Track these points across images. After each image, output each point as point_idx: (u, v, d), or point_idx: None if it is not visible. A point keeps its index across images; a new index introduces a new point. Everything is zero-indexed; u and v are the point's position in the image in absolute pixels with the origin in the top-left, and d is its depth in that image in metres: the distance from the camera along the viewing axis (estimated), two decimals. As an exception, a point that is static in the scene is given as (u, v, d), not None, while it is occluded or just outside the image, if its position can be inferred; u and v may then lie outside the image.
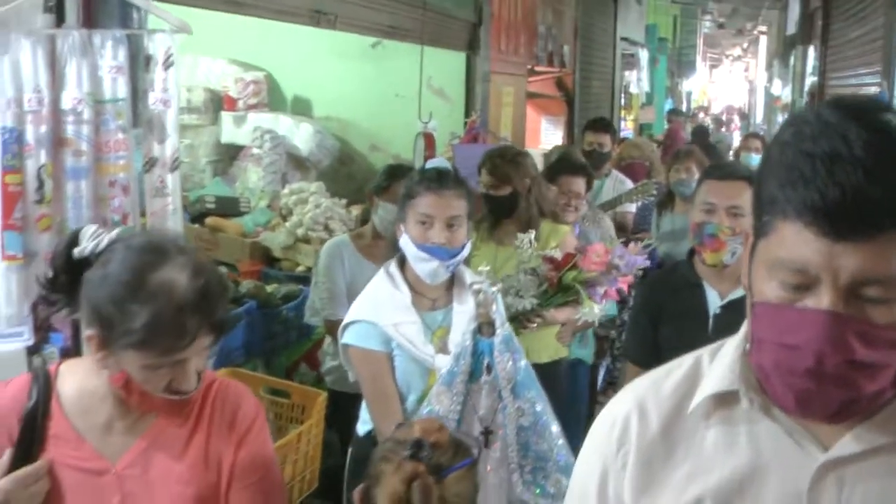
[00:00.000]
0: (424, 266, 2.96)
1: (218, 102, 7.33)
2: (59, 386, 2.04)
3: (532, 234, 4.05)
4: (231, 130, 7.22)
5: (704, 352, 1.48)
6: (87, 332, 1.89)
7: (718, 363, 1.42)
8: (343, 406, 4.03)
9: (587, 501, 1.49)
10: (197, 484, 2.01)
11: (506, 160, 4.36)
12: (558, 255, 3.84)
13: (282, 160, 6.92)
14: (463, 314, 2.95)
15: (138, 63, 3.06)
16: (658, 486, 1.40)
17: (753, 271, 1.30)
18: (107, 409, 2.00)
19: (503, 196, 4.25)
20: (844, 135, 1.15)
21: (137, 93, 3.06)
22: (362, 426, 3.22)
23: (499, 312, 2.47)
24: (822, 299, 1.18)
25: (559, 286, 3.84)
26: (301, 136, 7.04)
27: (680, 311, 3.22)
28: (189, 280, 1.85)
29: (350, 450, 3.36)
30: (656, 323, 3.30)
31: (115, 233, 1.97)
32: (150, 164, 3.09)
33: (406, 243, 2.99)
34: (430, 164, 3.09)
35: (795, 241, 1.19)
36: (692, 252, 3.43)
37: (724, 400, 1.38)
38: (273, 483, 2.15)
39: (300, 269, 5.73)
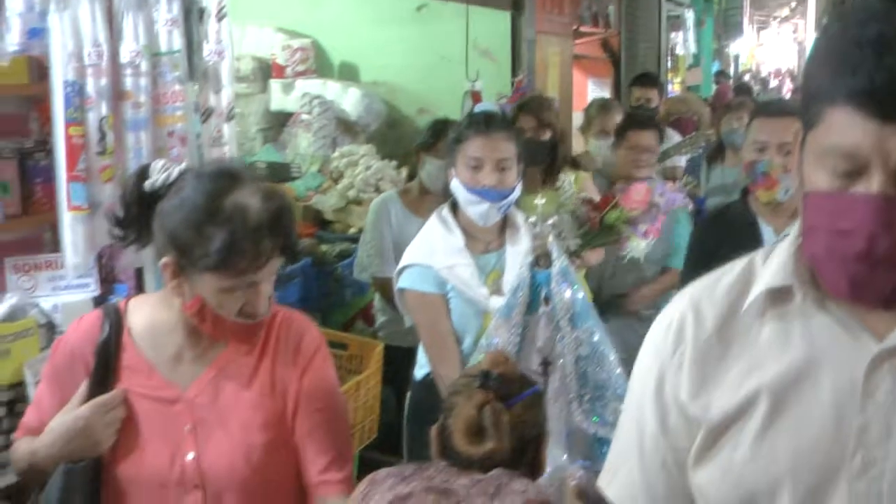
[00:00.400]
0: (476, 209, 3.00)
1: (266, 71, 7.39)
2: (129, 320, 2.12)
3: (572, 176, 4.15)
4: (280, 98, 7.28)
5: (757, 254, 1.51)
6: (162, 260, 1.96)
7: (772, 261, 1.45)
8: (397, 361, 4.07)
9: (644, 403, 1.52)
10: (265, 410, 2.08)
11: (545, 107, 4.46)
12: (596, 197, 3.94)
13: (331, 125, 6.96)
14: (516, 256, 2.98)
15: (192, 16, 3.12)
16: (714, 384, 1.43)
17: (804, 164, 1.32)
18: (176, 340, 2.08)
19: (545, 141, 4.32)
20: (892, 19, 1.17)
21: (192, 45, 3.12)
22: (419, 370, 3.28)
23: (555, 245, 2.49)
24: (872, 183, 1.20)
25: (601, 226, 3.92)
26: (349, 100, 7.08)
27: (736, 248, 3.22)
28: (262, 203, 1.91)
29: (409, 394, 3.41)
30: (712, 263, 3.30)
31: (183, 165, 2.03)
32: (207, 114, 3.16)
33: (457, 187, 3.02)
34: (479, 107, 3.13)
35: (845, 127, 1.21)
36: (745, 191, 3.43)
37: (777, 296, 1.40)
38: (338, 409, 2.21)
39: (352, 230, 5.78)
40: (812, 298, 1.36)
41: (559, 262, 2.46)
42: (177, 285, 1.97)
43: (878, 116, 1.17)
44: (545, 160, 4.33)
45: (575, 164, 5.07)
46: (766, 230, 3.23)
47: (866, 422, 1.30)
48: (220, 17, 3.13)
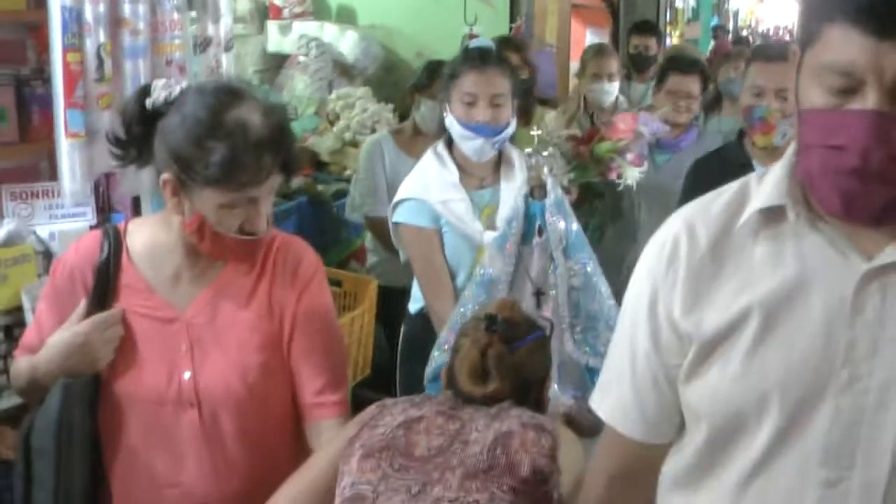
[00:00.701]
0: (470, 144, 3.00)
1: (263, 12, 7.33)
2: (129, 241, 2.13)
3: (552, 114, 4.21)
4: (277, 39, 7.22)
5: (752, 175, 1.53)
6: (163, 176, 1.97)
7: (766, 182, 1.47)
8: (389, 301, 4.10)
9: (637, 321, 1.55)
10: (261, 331, 2.10)
11: (526, 46, 4.51)
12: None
13: (328, 68, 6.92)
14: (510, 192, 2.99)
15: (190, -57, 3.11)
16: (707, 301, 1.45)
17: (801, 83, 1.34)
18: (175, 261, 2.09)
19: (525, 79, 4.37)
20: None
21: (190, -26, 3.12)
22: (413, 304, 3.29)
23: (550, 176, 2.50)
24: (867, 100, 1.22)
25: (592, 158, 4.00)
26: (347, 43, 7.03)
27: None
28: (263, 118, 1.92)
29: (402, 328, 3.43)
30: None
31: (184, 83, 2.03)
32: (205, 43, 3.15)
33: (451, 123, 3.02)
34: (474, 43, 3.11)
35: (842, 43, 1.23)
36: (741, 133, 3.44)
37: (771, 216, 1.43)
38: (333, 333, 2.23)
39: (348, 172, 5.76)
40: (804, 218, 1.39)
41: (554, 193, 2.47)
42: (177, 203, 1.98)
43: (875, 33, 1.19)
44: (524, 97, 4.37)
45: (543, 102, 5.13)
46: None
47: (854, 338, 1.33)
48: (220, -54, 3.11)
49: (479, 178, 3.11)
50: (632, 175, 4.00)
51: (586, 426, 2.36)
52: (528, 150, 2.51)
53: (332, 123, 6.22)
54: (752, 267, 1.43)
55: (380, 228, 4.13)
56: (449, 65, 3.17)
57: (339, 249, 5.16)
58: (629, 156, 4.05)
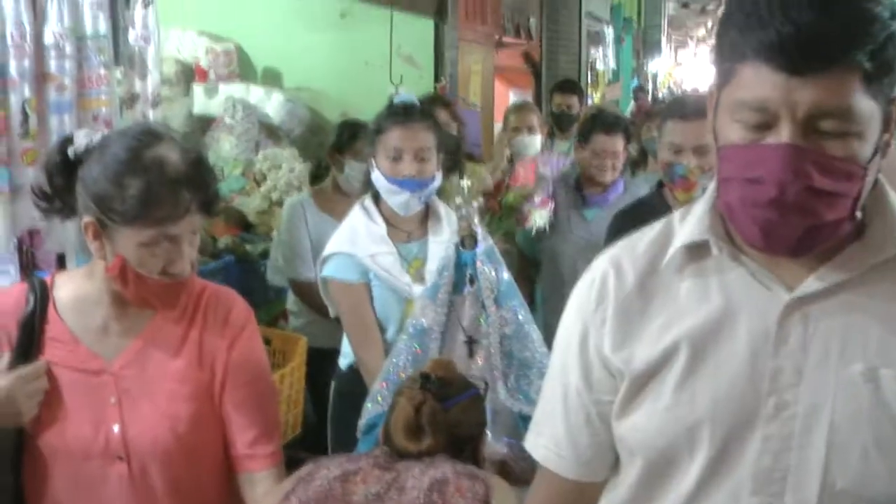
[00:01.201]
0: (396, 198, 3.02)
1: (189, 74, 7.34)
2: (55, 293, 2.10)
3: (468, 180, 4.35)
4: (203, 102, 7.23)
5: (675, 213, 1.57)
6: (84, 220, 1.95)
7: (689, 218, 1.51)
8: (316, 362, 4.05)
9: (569, 360, 1.57)
10: (192, 381, 2.07)
11: (450, 103, 4.60)
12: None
13: (254, 129, 6.93)
14: (438, 245, 3.01)
15: (118, 0, 3.10)
16: (636, 337, 1.48)
17: (718, 120, 1.38)
18: (102, 312, 2.06)
19: (454, 135, 4.47)
20: None
21: (118, 30, 3.11)
22: (343, 360, 3.27)
23: (480, 226, 2.53)
24: (781, 134, 1.26)
25: (503, 209, 4.10)
26: (272, 105, 7.06)
27: None
28: (181, 155, 1.91)
29: (333, 384, 3.39)
30: None
31: (106, 131, 2.03)
32: (132, 99, 3.14)
33: (377, 177, 3.03)
34: (398, 98, 3.14)
35: (755, 80, 1.27)
36: (660, 183, 3.50)
37: (695, 252, 1.46)
38: (265, 383, 2.21)
39: (275, 232, 5.75)
40: (727, 252, 1.42)
41: (484, 242, 2.50)
42: (99, 246, 1.96)
43: (786, 70, 1.23)
44: (454, 151, 4.44)
45: (470, 157, 5.24)
46: None
47: (779, 367, 1.37)
48: (147, 2, 3.12)
49: (407, 231, 3.13)
50: (541, 218, 4.10)
51: (520, 474, 2.37)
52: (458, 199, 2.54)
53: (258, 184, 6.21)
54: (678, 302, 1.47)
55: (306, 291, 4.12)
56: (374, 120, 3.18)
57: (268, 309, 5.12)
58: (536, 199, 4.23)
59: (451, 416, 2.07)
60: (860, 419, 1.34)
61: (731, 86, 1.33)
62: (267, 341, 4.14)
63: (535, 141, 5.43)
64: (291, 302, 4.61)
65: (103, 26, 3.05)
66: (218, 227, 5.78)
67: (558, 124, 6.67)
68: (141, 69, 3.16)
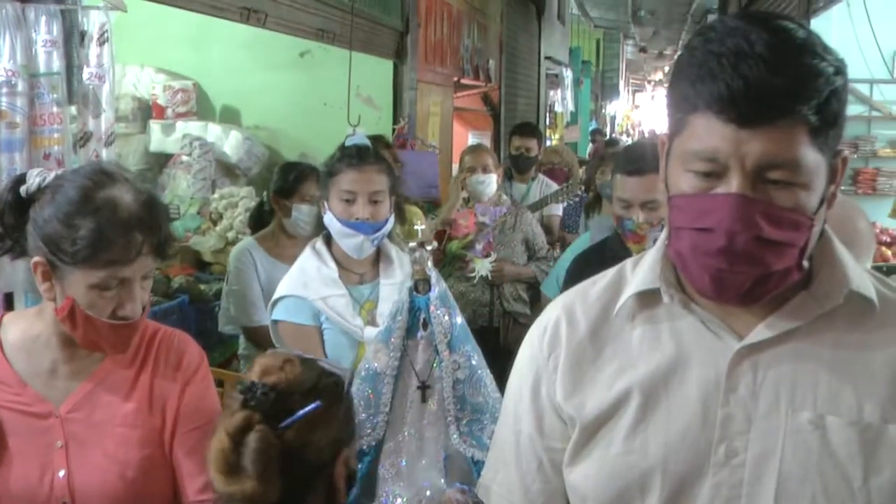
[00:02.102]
0: (349, 241, 3.00)
1: (146, 111, 7.32)
2: (2, 333, 2.05)
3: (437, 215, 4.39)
4: (160, 139, 7.21)
5: (628, 261, 1.58)
6: (34, 259, 1.91)
7: (641, 266, 1.52)
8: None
9: (521, 408, 1.56)
10: (142, 426, 2.03)
11: (390, 144, 4.64)
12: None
13: (211, 167, 6.92)
14: (390, 287, 2.99)
15: (73, 38, 3.08)
16: (588, 384, 1.48)
17: (669, 169, 1.39)
18: (50, 354, 2.02)
19: (398, 176, 4.48)
20: (747, 36, 1.25)
21: (72, 68, 3.09)
22: None
23: (433, 270, 2.52)
24: (731, 184, 1.28)
25: (446, 257, 4.14)
26: (230, 143, 7.06)
27: None
28: (134, 196, 1.89)
29: None
30: None
31: (59, 170, 2.00)
32: (85, 138, 3.11)
33: (331, 220, 3.00)
34: (350, 141, 3.11)
35: (705, 131, 1.29)
36: None
37: (646, 300, 1.47)
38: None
39: (224, 284, 5.70)
40: (678, 301, 1.43)
41: (438, 286, 2.49)
42: (49, 288, 1.92)
43: (735, 121, 1.25)
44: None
45: (406, 200, 5.33)
46: None
47: (729, 414, 1.37)
48: (102, 41, 3.10)
49: (359, 273, 3.10)
50: (483, 267, 4.15)
51: None
52: (412, 244, 2.53)
53: (214, 223, 6.18)
54: (630, 349, 1.47)
55: (262, 336, 4.05)
56: (326, 163, 3.13)
57: (222, 350, 5.07)
58: (478, 247, 4.30)
59: (289, 440, 1.57)
60: (809, 467, 1.34)
61: (682, 136, 1.34)
62: (219, 383, 4.12)
63: (491, 180, 5.44)
64: (243, 347, 4.52)
65: (57, 64, 3.02)
66: (173, 266, 5.74)
67: (516, 167, 6.70)
68: (95, 107, 3.14)
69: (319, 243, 3.09)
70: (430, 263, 2.50)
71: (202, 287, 5.20)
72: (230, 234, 5.97)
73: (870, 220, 2.12)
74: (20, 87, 2.93)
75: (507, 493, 1.60)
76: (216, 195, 6.43)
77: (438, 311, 2.48)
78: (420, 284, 2.50)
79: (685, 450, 1.39)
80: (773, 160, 1.26)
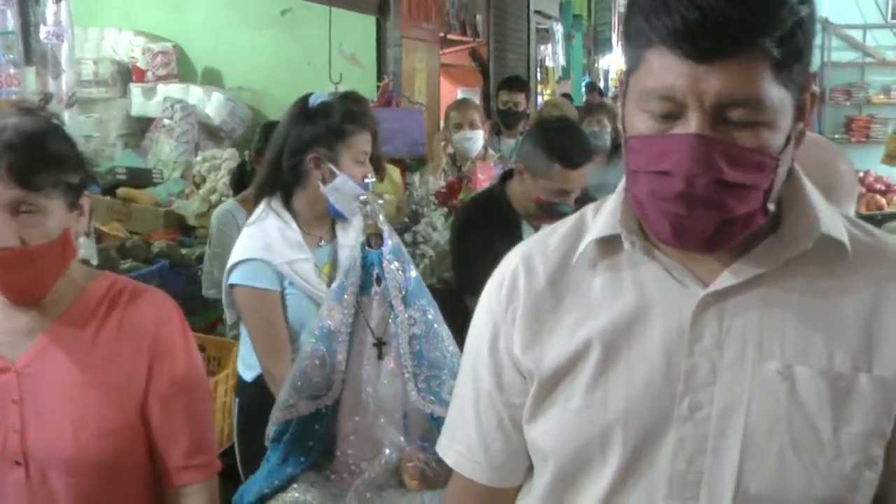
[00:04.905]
0: (355, 205, 2.91)
1: (126, 74, 7.23)
2: None
3: (421, 173, 4.33)
4: (141, 103, 7.13)
5: (589, 207, 1.51)
6: None
7: (601, 213, 1.45)
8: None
9: (479, 363, 1.51)
10: (100, 387, 1.95)
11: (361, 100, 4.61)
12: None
13: (194, 130, 6.85)
14: (348, 248, 2.94)
15: (28, -5, 3.00)
16: (547, 335, 1.42)
17: (626, 110, 1.32)
18: (3, 309, 1.95)
19: None
20: None
21: (28, 27, 2.99)
22: (248, 372, 3.10)
23: (385, 224, 2.43)
24: (689, 124, 1.21)
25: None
26: (213, 105, 6.97)
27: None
28: (16, 123, 1.82)
29: (237, 400, 3.23)
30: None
31: None
32: (46, 99, 3.03)
33: (344, 183, 2.89)
34: (316, 98, 2.96)
35: (661, 68, 1.21)
36: (505, 175, 3.64)
37: (607, 247, 1.41)
38: (196, 392, 2.09)
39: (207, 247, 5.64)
40: (640, 247, 1.37)
41: (391, 241, 2.41)
42: None
43: (692, 57, 1.18)
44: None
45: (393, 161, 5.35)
46: (528, 231, 3.38)
47: (693, 366, 1.32)
48: (58, -2, 3.01)
49: (319, 235, 3.02)
50: None
51: (435, 477, 2.30)
52: (363, 197, 2.44)
53: (198, 186, 6.11)
54: (590, 299, 1.41)
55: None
56: (326, 123, 2.94)
57: (206, 314, 5.01)
58: None
59: None
60: (776, 420, 1.29)
61: (638, 73, 1.27)
62: (202, 347, 4.07)
63: (478, 136, 5.38)
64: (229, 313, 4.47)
65: (11, 23, 2.93)
66: (157, 231, 5.68)
67: (505, 121, 6.63)
68: (54, 68, 3.05)
69: (276, 203, 2.97)
70: (381, 217, 2.41)
71: (184, 251, 5.13)
72: (214, 197, 5.90)
73: (853, 166, 2.04)
74: (-26, 47, 2.85)
75: (468, 452, 1.55)
76: (199, 158, 6.35)
77: (392, 266, 2.40)
78: (372, 239, 2.42)
79: (647, 403, 1.33)
80: (734, 97, 1.18)
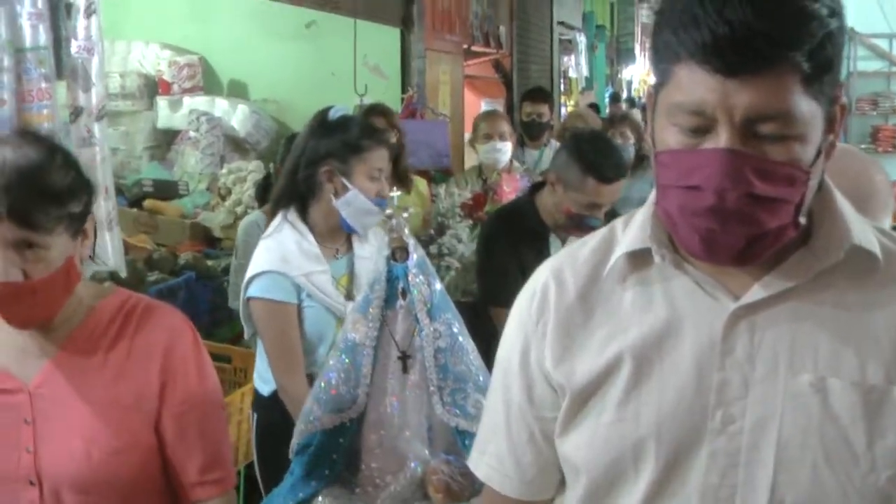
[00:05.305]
0: (371, 220, 2.91)
1: (152, 87, 7.29)
2: None
3: (446, 185, 4.36)
4: (167, 115, 7.18)
5: (618, 220, 1.51)
6: None
7: (631, 226, 1.44)
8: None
9: (511, 377, 1.50)
10: (111, 405, 1.94)
11: (392, 111, 4.65)
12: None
13: (219, 142, 6.89)
14: (365, 260, 2.94)
15: (59, 11, 3.02)
16: (578, 349, 1.41)
17: (656, 123, 1.32)
18: (14, 331, 1.96)
19: (393, 144, 4.49)
20: None
21: (60, 42, 3.02)
22: (265, 386, 3.08)
23: (410, 238, 2.44)
24: (719, 139, 1.20)
25: None
26: (238, 117, 7.02)
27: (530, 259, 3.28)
28: (11, 158, 1.79)
29: (255, 415, 3.20)
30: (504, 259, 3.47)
31: None
32: (76, 113, 3.06)
33: (355, 197, 2.88)
34: (335, 111, 2.98)
35: (691, 82, 1.21)
36: (534, 187, 3.65)
37: (637, 260, 1.40)
38: (209, 408, 2.06)
39: (233, 258, 5.66)
40: (670, 261, 1.36)
41: (416, 254, 2.42)
42: None
43: (721, 71, 1.17)
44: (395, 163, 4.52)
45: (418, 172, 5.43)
46: (556, 244, 3.41)
47: (725, 379, 1.31)
48: (90, 12, 3.04)
49: (335, 248, 3.02)
50: None
51: (460, 491, 2.30)
52: (388, 211, 2.45)
53: (223, 198, 6.14)
54: (621, 313, 1.40)
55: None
56: (344, 138, 2.95)
57: (232, 325, 5.04)
58: None
59: None
60: (809, 433, 1.28)
61: (667, 88, 1.26)
62: (227, 359, 4.10)
63: (507, 148, 5.37)
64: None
65: (43, 38, 2.96)
66: (183, 243, 5.72)
67: (528, 133, 6.62)
68: (84, 81, 3.08)
69: (292, 215, 2.97)
70: (406, 230, 2.42)
71: (210, 263, 5.17)
72: (239, 209, 5.93)
73: (889, 176, 2.01)
74: (6, 62, 2.88)
75: (499, 465, 1.54)
76: (224, 170, 6.39)
77: (417, 280, 2.41)
78: (397, 252, 2.43)
79: (680, 417, 1.32)
80: (764, 112, 1.18)
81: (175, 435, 2.01)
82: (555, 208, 3.40)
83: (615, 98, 16.95)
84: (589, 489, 1.42)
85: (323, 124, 2.98)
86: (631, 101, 16.09)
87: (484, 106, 10.04)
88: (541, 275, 1.50)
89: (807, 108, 1.19)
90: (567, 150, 3.44)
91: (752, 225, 1.22)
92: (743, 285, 1.32)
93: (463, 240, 4.41)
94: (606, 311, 1.41)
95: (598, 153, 3.33)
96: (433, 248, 4.38)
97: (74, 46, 3.05)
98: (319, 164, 2.93)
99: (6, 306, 1.86)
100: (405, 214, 2.42)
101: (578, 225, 3.26)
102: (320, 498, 2.38)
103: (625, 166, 3.36)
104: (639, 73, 23.83)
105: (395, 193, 2.55)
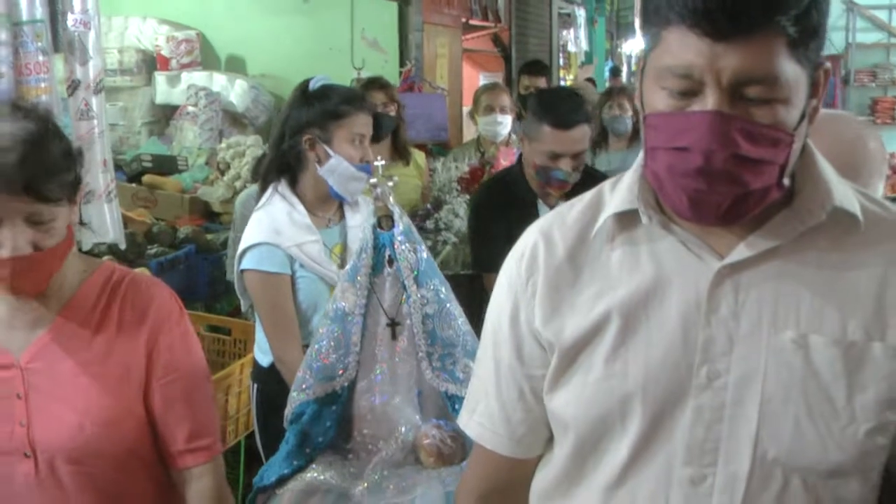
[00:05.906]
0: (355, 185, 2.93)
1: (150, 63, 7.28)
2: None
3: (443, 160, 4.38)
4: (165, 90, 7.17)
5: (606, 183, 1.54)
6: None
7: (619, 188, 1.48)
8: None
9: (500, 336, 1.54)
10: (102, 377, 1.97)
11: (391, 84, 4.66)
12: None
13: (217, 117, 6.89)
14: (356, 229, 2.97)
15: (55, -17, 3.04)
16: (566, 308, 1.45)
17: (644, 87, 1.35)
18: (4, 303, 1.98)
19: (392, 116, 4.54)
20: None
21: (56, 15, 3.03)
22: (264, 357, 3.10)
23: (396, 205, 2.46)
24: (707, 101, 1.24)
25: None
26: (236, 92, 7.01)
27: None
28: (11, 132, 1.79)
29: (255, 386, 3.23)
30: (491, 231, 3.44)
31: None
32: (73, 86, 3.07)
33: (338, 163, 2.92)
34: (316, 80, 2.99)
35: (679, 46, 1.24)
36: (521, 160, 3.59)
37: (625, 221, 1.44)
38: (195, 377, 2.11)
39: (231, 232, 5.68)
40: (657, 221, 1.40)
41: (402, 222, 2.44)
42: None
43: (710, 35, 1.21)
44: (395, 135, 4.70)
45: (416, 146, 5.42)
46: (544, 210, 3.37)
47: (710, 336, 1.35)
48: (85, -15, 3.05)
49: (327, 217, 3.05)
50: None
51: (450, 455, 2.34)
52: (373, 180, 2.47)
53: (222, 173, 6.14)
54: (609, 272, 1.44)
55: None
56: (324, 105, 2.98)
57: (231, 298, 5.06)
58: None
59: None
60: (792, 388, 1.32)
61: (656, 51, 1.29)
62: (227, 331, 4.13)
63: (507, 121, 5.39)
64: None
65: (40, 11, 2.97)
66: (182, 217, 5.74)
67: (526, 106, 6.63)
68: (82, 55, 3.09)
69: (283, 186, 3.00)
70: (391, 199, 2.45)
71: (209, 237, 5.18)
72: (238, 184, 5.93)
73: (884, 144, 2.02)
74: (3, 36, 2.90)
75: (489, 424, 1.58)
76: (223, 145, 6.38)
77: (403, 247, 2.44)
78: (383, 221, 2.46)
79: (666, 373, 1.37)
80: (751, 75, 1.22)
81: (162, 404, 2.04)
82: (528, 166, 3.42)
83: (615, 72, 16.89)
84: (577, 444, 1.47)
85: (304, 94, 3.01)
86: (614, 70, 16.04)
87: (482, 80, 10.03)
88: (530, 235, 1.54)
89: (792, 72, 1.23)
90: (529, 105, 3.48)
91: (738, 185, 1.26)
92: (728, 245, 1.36)
93: (460, 214, 4.43)
94: (594, 271, 1.45)
95: (552, 101, 3.34)
96: (430, 223, 4.41)
97: (71, 20, 3.06)
98: (301, 133, 2.96)
99: (20, 279, 1.88)
100: (390, 183, 2.44)
101: (547, 179, 3.28)
102: (314, 465, 2.42)
103: (584, 115, 3.29)
104: (639, 48, 23.72)
105: (380, 162, 2.56)
